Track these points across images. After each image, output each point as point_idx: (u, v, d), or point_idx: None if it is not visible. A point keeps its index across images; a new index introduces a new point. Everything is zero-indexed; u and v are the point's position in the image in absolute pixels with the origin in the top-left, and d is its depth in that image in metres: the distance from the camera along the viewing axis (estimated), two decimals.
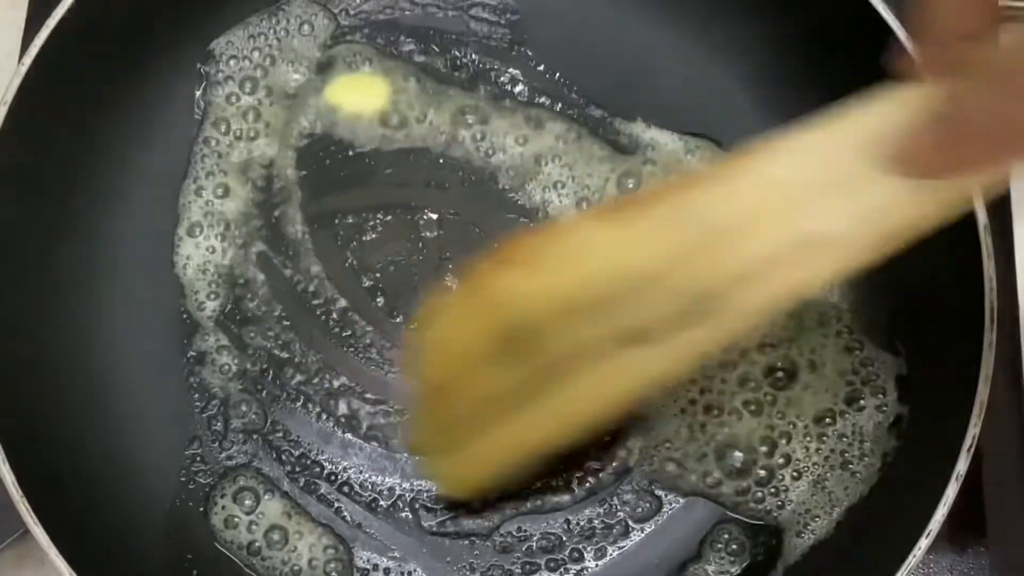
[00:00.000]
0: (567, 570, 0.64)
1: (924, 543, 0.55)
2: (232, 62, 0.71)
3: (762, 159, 0.46)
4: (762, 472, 0.64)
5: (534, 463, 0.59)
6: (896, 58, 0.44)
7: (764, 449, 0.65)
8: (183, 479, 0.65)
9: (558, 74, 0.72)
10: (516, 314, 0.49)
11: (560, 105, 0.71)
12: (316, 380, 0.67)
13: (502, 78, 0.72)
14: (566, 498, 0.65)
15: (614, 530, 0.65)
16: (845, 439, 0.64)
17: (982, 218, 0.58)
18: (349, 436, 0.66)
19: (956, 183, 0.43)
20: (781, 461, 0.65)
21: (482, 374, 0.52)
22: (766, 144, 0.45)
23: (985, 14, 0.42)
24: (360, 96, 0.70)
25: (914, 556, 0.55)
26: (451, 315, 0.54)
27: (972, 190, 0.44)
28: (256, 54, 0.71)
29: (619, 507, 0.65)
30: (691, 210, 0.46)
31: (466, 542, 0.64)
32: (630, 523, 0.65)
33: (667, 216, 0.46)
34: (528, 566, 0.64)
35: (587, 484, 0.65)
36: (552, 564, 0.64)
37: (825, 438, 0.65)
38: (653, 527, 0.65)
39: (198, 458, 0.65)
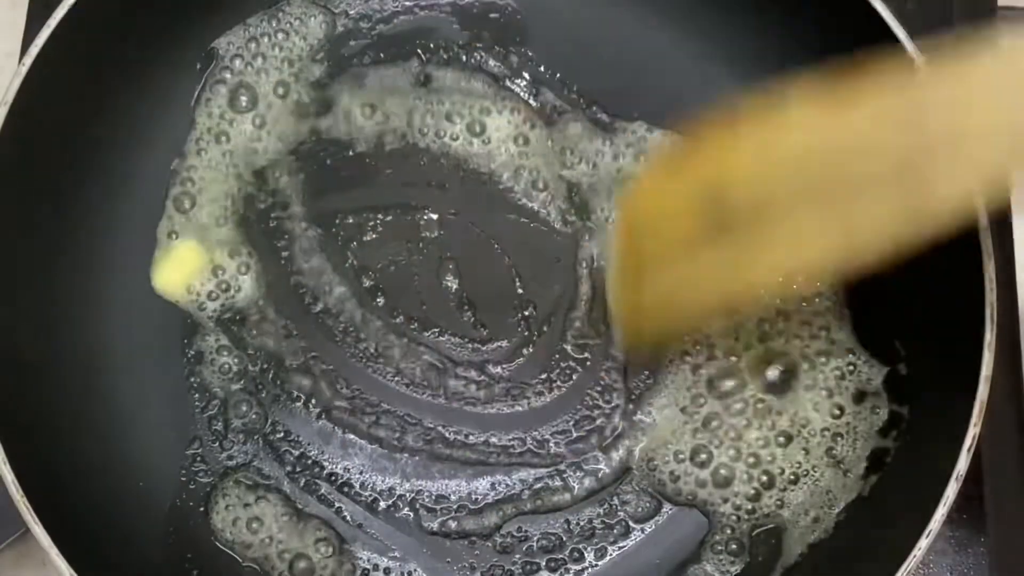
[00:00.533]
0: (567, 570, 0.64)
1: (924, 543, 0.55)
2: (234, 62, 0.71)
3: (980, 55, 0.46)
4: (762, 473, 0.65)
5: (715, 317, 0.63)
6: None
7: (763, 450, 0.65)
8: (183, 479, 0.65)
9: (559, 74, 0.72)
10: (721, 175, 0.51)
11: (561, 105, 0.71)
12: (316, 380, 0.67)
13: (502, 78, 0.72)
14: (566, 497, 0.65)
15: (614, 530, 0.65)
16: (844, 440, 0.64)
17: (982, 219, 0.58)
18: (350, 436, 0.66)
19: None
20: (780, 462, 0.65)
21: (679, 219, 0.53)
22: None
23: None
24: (177, 270, 0.69)
25: (914, 556, 0.55)
26: (661, 167, 0.57)
27: None
28: (256, 54, 0.71)
29: (619, 507, 0.65)
30: (904, 100, 0.47)
31: (466, 542, 0.64)
32: (630, 523, 0.65)
33: (880, 106, 0.47)
34: (528, 566, 0.64)
35: (587, 484, 0.65)
36: (552, 564, 0.64)
37: (824, 439, 0.65)
38: (653, 527, 0.65)
39: (198, 458, 0.65)
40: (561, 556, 0.64)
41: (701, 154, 0.53)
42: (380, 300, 0.68)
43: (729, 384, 0.66)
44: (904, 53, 0.60)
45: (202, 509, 0.65)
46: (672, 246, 0.54)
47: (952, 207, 0.47)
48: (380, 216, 0.70)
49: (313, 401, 0.66)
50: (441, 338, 0.68)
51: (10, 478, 0.55)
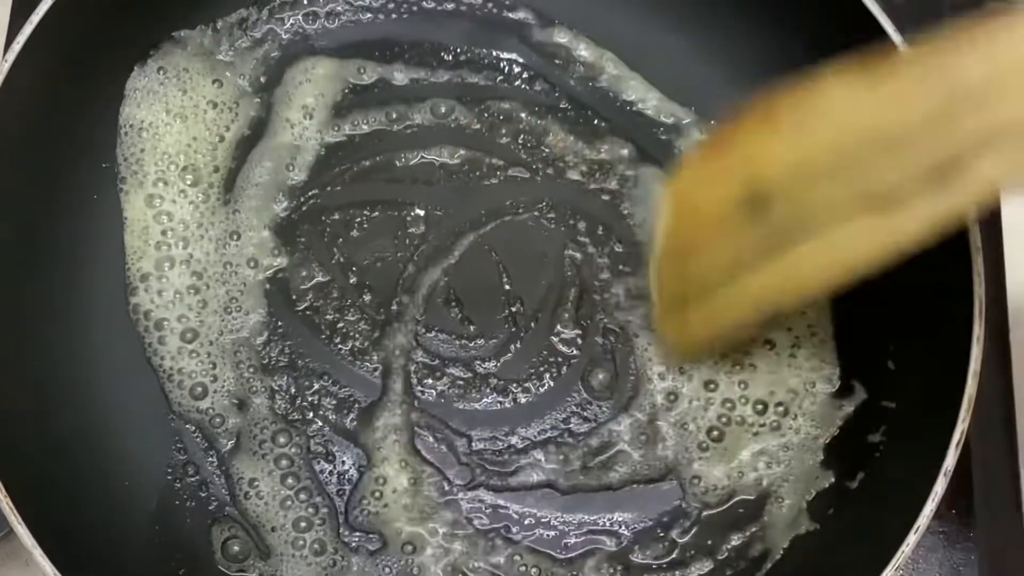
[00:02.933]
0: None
1: (913, 538, 0.55)
2: (226, 52, 0.71)
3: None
4: (750, 458, 0.65)
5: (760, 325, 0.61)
6: None
7: (752, 446, 0.65)
8: (169, 477, 0.65)
9: (551, 74, 0.72)
10: (759, 172, 0.50)
11: (549, 104, 0.71)
12: (300, 378, 0.66)
13: (485, 76, 0.72)
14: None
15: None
16: (833, 436, 0.64)
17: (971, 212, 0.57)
18: (336, 435, 0.66)
19: None
20: (767, 458, 0.65)
21: (721, 231, 0.52)
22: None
23: None
24: None
25: (903, 552, 0.54)
26: (695, 171, 0.55)
27: None
28: (244, 45, 0.71)
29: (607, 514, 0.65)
30: (942, 71, 0.46)
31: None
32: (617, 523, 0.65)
33: (917, 76, 0.46)
34: (518, 557, 0.64)
35: (577, 481, 0.65)
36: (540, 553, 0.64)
37: (813, 435, 0.65)
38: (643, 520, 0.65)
39: (184, 455, 0.65)
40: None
41: (739, 141, 0.52)
42: (367, 296, 0.68)
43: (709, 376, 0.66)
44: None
45: (189, 506, 0.64)
46: (715, 238, 0.53)
47: (980, 200, 0.46)
48: (367, 212, 0.69)
49: (298, 399, 0.66)
50: (429, 334, 0.67)
51: None
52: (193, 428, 0.65)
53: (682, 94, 0.72)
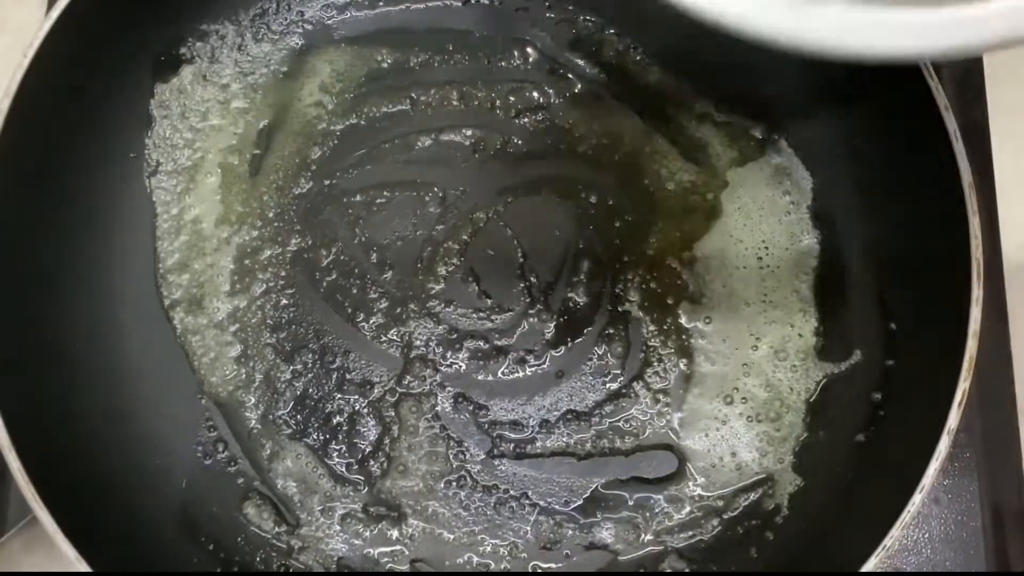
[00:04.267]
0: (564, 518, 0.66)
1: (918, 498, 0.55)
2: (242, 48, 0.72)
3: None
4: (753, 441, 0.66)
5: None
6: None
7: (759, 412, 0.67)
8: (199, 455, 0.66)
9: (566, 56, 0.73)
10: None
11: (567, 89, 0.72)
12: (324, 354, 0.68)
13: (500, 58, 0.73)
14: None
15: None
16: (834, 396, 0.66)
17: (966, 176, 0.57)
18: (357, 408, 0.67)
19: None
20: (774, 419, 0.66)
21: None
22: None
23: None
24: None
25: (908, 511, 0.55)
26: None
27: None
28: (278, 40, 0.73)
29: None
30: None
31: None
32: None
33: None
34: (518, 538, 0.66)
35: (587, 448, 0.67)
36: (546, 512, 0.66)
37: (812, 396, 0.66)
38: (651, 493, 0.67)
39: (214, 432, 0.67)
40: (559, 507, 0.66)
41: None
42: (388, 274, 0.69)
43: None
44: None
45: (218, 485, 0.66)
46: None
47: None
48: (387, 193, 0.71)
49: (322, 377, 0.68)
50: (448, 309, 0.69)
51: (16, 464, 0.55)
52: (222, 406, 0.67)
53: None
